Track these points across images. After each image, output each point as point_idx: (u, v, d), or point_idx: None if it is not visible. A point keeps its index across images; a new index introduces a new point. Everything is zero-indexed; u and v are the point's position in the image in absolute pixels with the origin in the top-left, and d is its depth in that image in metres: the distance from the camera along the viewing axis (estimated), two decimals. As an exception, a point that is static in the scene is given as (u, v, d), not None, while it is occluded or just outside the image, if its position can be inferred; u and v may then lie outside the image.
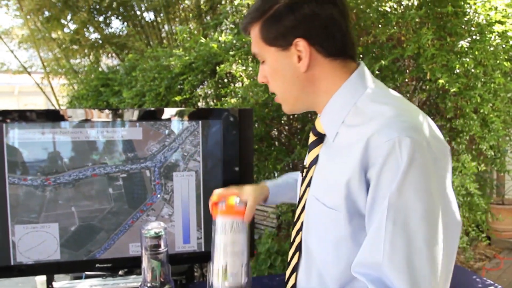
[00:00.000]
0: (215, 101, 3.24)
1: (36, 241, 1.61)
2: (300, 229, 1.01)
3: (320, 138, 0.98)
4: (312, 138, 1.00)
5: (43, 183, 1.59)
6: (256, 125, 2.72)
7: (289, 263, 1.06)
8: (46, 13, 5.90)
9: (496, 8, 2.39)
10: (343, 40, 0.90)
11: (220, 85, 3.13)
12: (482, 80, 2.40)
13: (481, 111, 2.45)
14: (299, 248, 1.02)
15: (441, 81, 2.16)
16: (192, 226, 1.72)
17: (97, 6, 5.74)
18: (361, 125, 0.84)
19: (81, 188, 1.62)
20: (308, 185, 0.98)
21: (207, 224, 1.72)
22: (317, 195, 0.93)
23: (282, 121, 2.99)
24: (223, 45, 2.84)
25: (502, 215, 3.83)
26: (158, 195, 1.68)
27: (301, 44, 0.88)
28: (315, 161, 0.97)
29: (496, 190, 4.46)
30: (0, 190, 1.56)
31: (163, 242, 1.38)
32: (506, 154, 3.06)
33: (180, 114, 1.67)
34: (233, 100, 2.50)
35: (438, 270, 0.74)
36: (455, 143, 2.62)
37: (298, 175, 1.13)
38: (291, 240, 1.06)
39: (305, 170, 1.01)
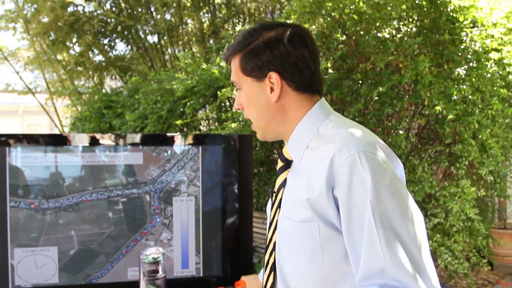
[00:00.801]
0: (216, 124, 3.27)
1: (35, 264, 1.62)
2: (273, 249, 1.07)
3: (287, 164, 1.07)
4: (280, 164, 1.09)
5: (44, 206, 1.61)
6: (256, 149, 2.74)
7: (265, 286, 1.11)
8: (52, 36, 6.01)
9: (492, 36, 2.44)
10: (311, 77, 1.00)
11: (221, 109, 3.17)
12: (480, 106, 2.43)
13: (480, 136, 2.47)
14: (273, 268, 1.08)
15: (438, 108, 2.19)
16: (191, 251, 1.72)
17: (102, 30, 5.85)
18: (322, 146, 0.95)
19: (81, 212, 1.64)
20: (278, 206, 1.06)
21: (206, 249, 1.72)
22: (287, 214, 1.00)
23: (283, 146, 3.01)
24: (223, 70, 2.89)
25: (504, 240, 3.79)
26: (158, 220, 1.69)
27: (274, 77, 0.98)
28: (283, 184, 1.06)
29: (498, 214, 4.43)
30: (1, 213, 1.57)
31: (161, 268, 1.38)
32: (506, 179, 3.07)
33: (180, 140, 1.69)
34: (234, 125, 2.53)
35: (428, 257, 0.84)
36: (454, 168, 2.63)
37: None
38: (265, 263, 1.12)
39: (274, 194, 1.10)
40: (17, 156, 1.59)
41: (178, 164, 1.69)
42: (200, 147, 1.68)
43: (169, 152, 1.69)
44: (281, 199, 1.05)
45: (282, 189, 1.06)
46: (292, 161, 1.05)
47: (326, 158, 0.90)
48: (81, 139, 1.65)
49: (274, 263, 1.08)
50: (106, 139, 1.67)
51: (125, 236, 1.67)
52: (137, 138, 1.69)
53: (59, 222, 1.62)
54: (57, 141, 1.63)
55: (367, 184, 0.84)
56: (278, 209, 1.06)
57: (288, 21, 2.86)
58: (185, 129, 3.37)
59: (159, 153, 1.68)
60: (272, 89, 0.99)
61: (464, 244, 2.69)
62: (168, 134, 1.67)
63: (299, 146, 1.01)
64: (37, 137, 1.62)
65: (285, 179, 1.06)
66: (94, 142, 1.65)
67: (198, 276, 1.73)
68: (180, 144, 1.69)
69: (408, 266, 0.81)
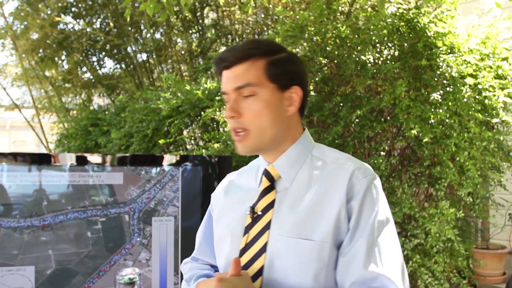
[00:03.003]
0: (200, 144, 3.30)
1: (11, 284, 1.61)
2: (260, 274, 0.99)
3: (271, 185, 1.05)
4: (265, 183, 1.06)
5: (22, 225, 1.61)
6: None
7: None
8: (41, 52, 6.03)
9: (468, 62, 2.52)
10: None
11: (207, 129, 3.20)
12: (457, 129, 2.49)
13: (458, 159, 2.53)
14: None
15: (414, 131, 2.25)
16: (170, 271, 1.72)
17: (91, 48, 5.89)
18: (328, 167, 1.01)
19: (60, 231, 1.64)
20: (267, 227, 1.01)
21: (184, 269, 1.72)
22: (288, 234, 0.97)
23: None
24: (207, 92, 2.93)
25: (487, 260, 3.83)
26: (136, 240, 1.70)
27: (296, 91, 1.03)
28: (271, 205, 1.03)
29: (481, 234, 4.48)
30: (-21, 232, 1.57)
31: (137, 288, 1.38)
32: (486, 201, 3.12)
33: (160, 160, 1.71)
34: (217, 145, 2.55)
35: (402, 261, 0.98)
36: (434, 190, 2.67)
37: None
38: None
39: (256, 216, 1.03)
40: (-3, 175, 1.60)
41: (158, 185, 1.71)
42: (180, 168, 1.71)
43: (149, 172, 1.70)
44: (270, 220, 1.01)
45: (271, 210, 1.02)
46: (275, 181, 1.04)
47: (343, 175, 0.98)
48: (62, 158, 1.66)
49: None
50: (87, 159, 1.68)
51: (103, 256, 1.67)
52: (118, 158, 1.70)
53: (37, 241, 1.62)
54: (38, 160, 1.64)
55: (376, 203, 0.97)
56: (268, 230, 1.00)
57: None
58: (170, 148, 3.39)
59: (139, 173, 1.70)
60: (291, 102, 1.03)
61: (444, 265, 2.71)
62: (149, 155, 1.69)
63: (293, 166, 1.04)
64: (17, 155, 1.63)
65: (273, 200, 1.03)
66: (74, 161, 1.66)
67: (175, 297, 1.73)
68: (160, 164, 1.71)
69: (398, 273, 0.93)
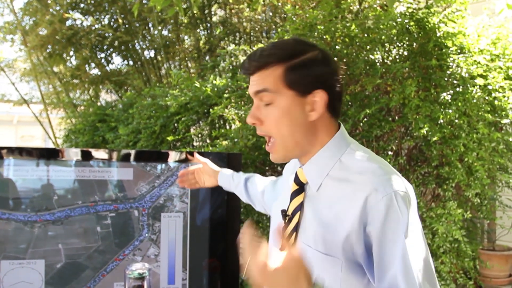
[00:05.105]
0: (208, 141, 3.31)
1: (21, 277, 1.63)
2: None
3: (301, 187, 1.03)
4: (294, 187, 1.05)
5: (33, 219, 1.62)
6: (247, 168, 2.77)
7: None
8: (49, 48, 6.07)
9: (478, 63, 2.51)
10: (341, 100, 1.01)
11: (214, 126, 3.21)
12: (466, 130, 2.48)
13: (466, 159, 2.52)
14: None
15: (423, 131, 2.24)
16: (178, 267, 1.74)
17: (99, 44, 5.91)
18: (351, 180, 0.94)
19: (70, 225, 1.65)
20: (295, 230, 1.02)
21: (193, 266, 1.74)
22: (308, 242, 0.98)
23: (274, 165, 3.05)
24: (215, 88, 2.93)
25: (493, 262, 3.81)
26: (145, 235, 1.71)
27: (320, 95, 0.96)
28: (298, 208, 1.02)
29: (487, 236, 4.47)
30: (-10, 225, 1.59)
31: (147, 284, 1.39)
32: (493, 202, 3.10)
33: (170, 157, 1.72)
34: (225, 142, 2.56)
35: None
36: (441, 190, 2.66)
37: (252, 183, 1.40)
38: None
39: (287, 217, 1.05)
40: (8, 169, 1.61)
41: (168, 181, 1.72)
42: (190, 164, 1.71)
43: (159, 168, 1.72)
44: (297, 223, 1.02)
45: (299, 213, 1.02)
46: (306, 184, 1.03)
47: (360, 196, 0.91)
48: (72, 154, 1.68)
49: None
50: (97, 154, 1.70)
51: (112, 250, 1.68)
52: (128, 154, 1.72)
53: (47, 235, 1.64)
54: (48, 155, 1.66)
55: (402, 223, 0.88)
56: (295, 233, 1.02)
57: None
58: (177, 145, 3.40)
59: (149, 169, 1.71)
60: (312, 108, 0.96)
61: (451, 266, 2.70)
62: (159, 151, 1.70)
63: (319, 172, 0.99)
64: (28, 150, 1.65)
65: (301, 203, 1.03)
66: (85, 156, 1.68)
67: (183, 292, 1.74)
68: (170, 161, 1.72)
69: None
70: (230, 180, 1.46)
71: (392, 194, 0.89)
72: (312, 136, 0.99)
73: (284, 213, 1.07)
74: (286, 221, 1.06)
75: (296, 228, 1.02)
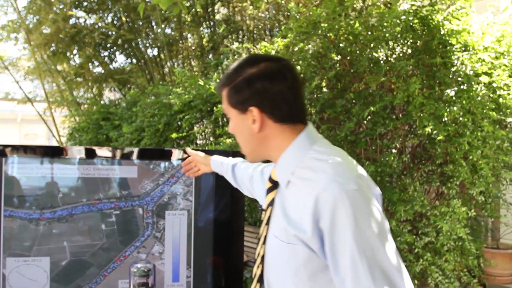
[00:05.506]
0: (212, 139, 3.31)
1: (26, 274, 1.63)
2: (261, 263, 1.16)
3: (275, 185, 1.15)
4: (268, 184, 1.18)
5: (38, 216, 1.63)
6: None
7: None
8: (53, 47, 6.08)
9: (483, 60, 2.50)
10: (289, 110, 1.08)
11: (217, 124, 3.21)
12: (471, 128, 2.48)
13: (471, 157, 2.51)
14: (260, 280, 1.17)
15: (427, 129, 2.24)
16: (182, 265, 1.74)
17: (103, 42, 5.92)
18: (309, 180, 1.02)
19: (75, 223, 1.66)
20: (267, 224, 1.14)
21: (197, 263, 1.74)
22: (275, 233, 1.09)
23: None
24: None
25: (497, 260, 3.80)
26: (150, 233, 1.71)
27: (254, 111, 1.07)
28: (271, 203, 1.15)
29: (491, 234, 4.45)
30: (-5, 222, 1.59)
31: (151, 281, 1.40)
32: (497, 200, 3.10)
33: (174, 154, 1.72)
34: (228, 140, 2.56)
35: (407, 277, 0.95)
36: (446, 188, 2.66)
37: (243, 171, 1.50)
38: (253, 275, 1.21)
39: (263, 212, 1.18)
40: (13, 167, 1.62)
41: (172, 179, 1.72)
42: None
43: (163, 166, 1.72)
44: (269, 217, 1.13)
45: (271, 207, 1.14)
46: (278, 182, 1.13)
47: (312, 195, 0.98)
48: (77, 152, 1.68)
49: (261, 275, 1.16)
50: (102, 152, 1.70)
51: (117, 248, 1.69)
52: (132, 152, 1.72)
53: (52, 232, 1.64)
54: (53, 153, 1.67)
55: (348, 221, 0.93)
56: (267, 226, 1.13)
57: (284, 39, 2.92)
58: (181, 143, 3.41)
59: (154, 167, 1.71)
60: (254, 121, 1.07)
61: (455, 264, 2.70)
62: (163, 149, 1.71)
63: (285, 172, 1.08)
64: (33, 148, 1.65)
65: (273, 199, 1.14)
66: (89, 154, 1.68)
67: (188, 290, 1.74)
68: (174, 159, 1.73)
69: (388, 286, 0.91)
70: (221, 166, 1.59)
71: (338, 194, 0.95)
72: (266, 143, 1.10)
73: (261, 209, 1.23)
74: (263, 215, 1.19)
75: (268, 221, 1.14)
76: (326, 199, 0.96)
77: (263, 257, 1.16)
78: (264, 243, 1.15)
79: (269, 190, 1.16)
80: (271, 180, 1.16)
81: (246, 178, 1.50)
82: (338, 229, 0.95)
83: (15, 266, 1.63)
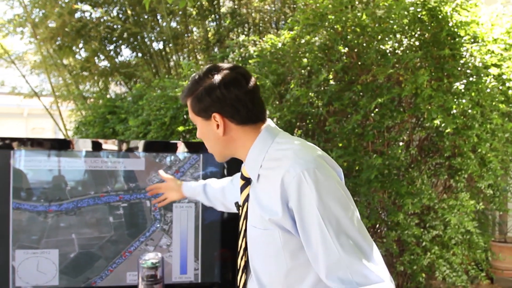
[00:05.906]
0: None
1: (35, 266, 1.65)
2: (244, 254, 1.27)
3: (247, 181, 1.25)
4: (241, 182, 1.27)
5: (46, 209, 1.64)
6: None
7: (238, 285, 1.31)
8: (59, 41, 6.08)
9: (492, 52, 2.47)
10: (248, 113, 1.18)
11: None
12: (480, 120, 2.45)
13: (479, 150, 2.49)
14: (244, 270, 1.28)
15: (436, 121, 2.22)
16: (190, 257, 1.75)
17: (108, 36, 5.92)
18: (276, 168, 1.12)
19: (83, 215, 1.67)
20: (245, 218, 1.25)
21: (205, 256, 1.75)
22: (253, 224, 1.19)
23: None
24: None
25: (505, 254, 3.78)
26: (158, 225, 1.72)
27: (217, 117, 1.17)
28: (247, 199, 1.25)
29: (499, 228, 4.43)
30: (4, 215, 1.61)
31: (160, 273, 1.41)
32: (506, 193, 3.07)
33: (182, 147, 1.72)
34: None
35: (370, 240, 1.05)
36: (454, 181, 2.64)
37: (216, 186, 1.55)
38: (238, 267, 1.30)
39: (240, 208, 1.29)
40: (21, 159, 1.63)
41: (179, 171, 1.72)
42: (201, 155, 1.71)
43: (170, 159, 1.72)
44: (246, 211, 1.24)
45: (247, 203, 1.24)
46: (250, 178, 1.22)
47: (278, 179, 1.08)
48: (84, 144, 1.69)
49: (245, 265, 1.28)
50: (109, 145, 1.70)
51: (125, 240, 1.69)
52: (139, 144, 1.72)
53: (61, 225, 1.65)
54: (61, 146, 1.67)
55: (312, 195, 1.04)
56: (245, 220, 1.24)
57: (291, 32, 2.90)
58: (187, 136, 3.41)
59: (161, 160, 1.71)
60: (218, 126, 1.17)
61: (463, 257, 2.69)
62: (170, 141, 1.71)
63: (254, 167, 1.18)
64: (40, 141, 1.66)
65: (248, 194, 1.24)
66: (97, 147, 1.68)
67: (196, 282, 1.75)
68: (181, 151, 1.72)
69: (357, 252, 1.01)
70: (192, 190, 1.63)
71: (300, 173, 1.05)
72: (233, 144, 1.20)
73: (237, 205, 1.31)
74: (240, 211, 1.29)
75: (246, 216, 1.24)
76: (290, 179, 1.06)
77: (245, 249, 1.26)
78: (244, 236, 1.25)
79: (243, 187, 1.26)
80: (243, 177, 1.26)
81: (218, 192, 1.56)
82: (304, 205, 1.05)
83: (24, 258, 1.64)
